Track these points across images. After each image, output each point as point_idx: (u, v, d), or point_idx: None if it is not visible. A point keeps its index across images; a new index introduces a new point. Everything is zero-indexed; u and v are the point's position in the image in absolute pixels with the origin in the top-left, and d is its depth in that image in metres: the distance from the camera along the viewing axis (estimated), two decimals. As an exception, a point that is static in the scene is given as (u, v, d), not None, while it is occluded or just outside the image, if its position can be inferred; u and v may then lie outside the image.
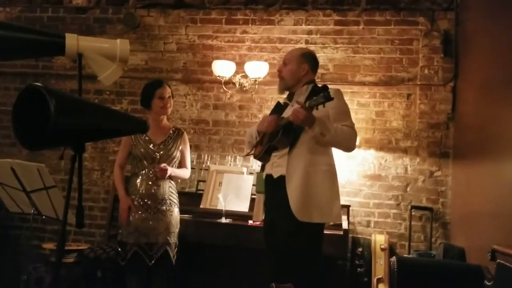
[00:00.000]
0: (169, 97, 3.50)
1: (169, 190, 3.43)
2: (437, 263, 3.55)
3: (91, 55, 2.14)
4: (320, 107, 2.59)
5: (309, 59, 3.01)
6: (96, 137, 2.17)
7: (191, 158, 3.76)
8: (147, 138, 3.45)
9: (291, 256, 2.78)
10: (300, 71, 2.96)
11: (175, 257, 3.38)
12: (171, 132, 3.52)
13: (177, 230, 3.42)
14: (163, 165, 3.35)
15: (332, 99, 2.54)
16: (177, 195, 3.51)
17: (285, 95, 3.13)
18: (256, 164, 4.33)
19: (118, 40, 2.20)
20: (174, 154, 3.48)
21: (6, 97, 5.02)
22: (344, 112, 2.88)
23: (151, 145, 3.44)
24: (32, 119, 1.61)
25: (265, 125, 2.91)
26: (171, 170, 3.40)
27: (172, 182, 3.49)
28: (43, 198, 3.06)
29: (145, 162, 3.41)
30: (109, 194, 4.73)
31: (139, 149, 3.43)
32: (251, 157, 3.41)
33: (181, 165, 3.58)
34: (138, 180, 3.42)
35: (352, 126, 2.83)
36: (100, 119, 1.75)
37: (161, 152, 3.42)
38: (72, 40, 2.08)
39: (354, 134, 2.84)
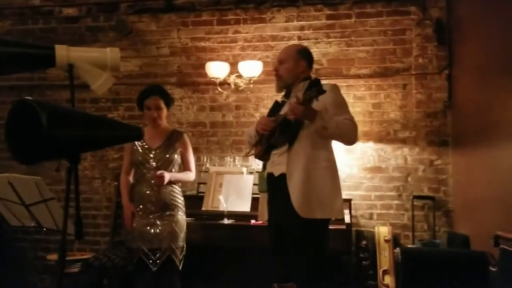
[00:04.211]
0: (158, 108, 3.39)
1: (171, 194, 3.40)
2: (442, 251, 3.56)
3: (82, 65, 2.13)
4: (315, 102, 2.59)
5: (306, 56, 3.00)
6: (91, 147, 2.17)
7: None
8: (144, 143, 3.43)
9: (295, 254, 2.78)
10: (298, 68, 2.95)
11: (182, 261, 3.35)
12: (168, 135, 3.47)
13: (183, 234, 3.39)
14: (159, 172, 3.30)
15: (324, 91, 2.53)
16: (182, 198, 3.48)
17: (282, 93, 3.12)
18: (255, 163, 4.33)
19: (108, 49, 2.19)
20: (172, 157, 3.42)
21: (2, 111, 5.01)
22: (342, 106, 2.87)
23: (148, 150, 3.42)
24: (25, 133, 1.61)
25: (261, 127, 2.92)
26: (171, 176, 3.35)
27: (174, 186, 3.44)
28: (42, 210, 3.06)
29: (143, 168, 3.40)
30: (111, 201, 4.73)
31: (137, 155, 3.41)
32: (251, 157, 3.40)
33: (184, 168, 3.53)
34: (139, 186, 3.41)
35: (351, 119, 2.83)
36: (93, 129, 1.74)
37: (158, 157, 3.39)
38: (61, 51, 2.07)
39: (354, 127, 2.83)
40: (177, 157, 3.46)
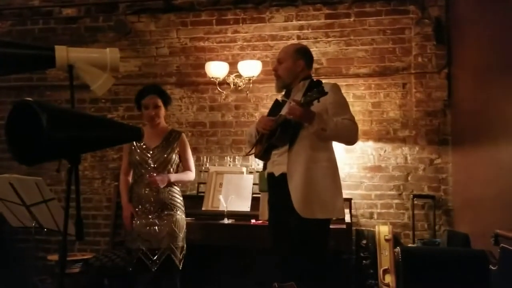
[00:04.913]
0: (156, 107, 3.38)
1: (170, 195, 3.38)
2: (442, 250, 3.56)
3: (82, 66, 2.13)
4: (316, 102, 2.59)
5: (304, 55, 2.99)
6: (91, 147, 2.17)
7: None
8: (142, 143, 3.42)
9: (296, 254, 2.78)
10: (296, 67, 2.94)
11: (182, 261, 3.35)
12: (166, 135, 3.46)
13: (183, 234, 3.38)
14: (154, 175, 3.30)
15: (326, 93, 2.53)
16: (181, 198, 3.46)
17: (282, 93, 3.12)
18: (255, 163, 4.33)
19: (108, 49, 2.20)
20: (170, 157, 3.40)
21: (2, 112, 5.02)
22: (342, 106, 2.86)
23: (146, 150, 3.41)
24: (25, 134, 1.61)
25: (261, 126, 2.92)
26: (170, 177, 3.35)
27: (173, 186, 3.44)
28: (43, 211, 3.06)
29: (141, 168, 3.40)
30: (111, 201, 4.73)
31: (135, 155, 3.40)
32: (251, 156, 3.40)
33: (184, 168, 3.52)
34: (138, 187, 3.40)
35: (352, 119, 2.82)
36: (93, 130, 1.74)
37: (156, 157, 3.38)
38: (61, 52, 2.07)
39: (355, 127, 2.82)
40: (175, 157, 3.45)
